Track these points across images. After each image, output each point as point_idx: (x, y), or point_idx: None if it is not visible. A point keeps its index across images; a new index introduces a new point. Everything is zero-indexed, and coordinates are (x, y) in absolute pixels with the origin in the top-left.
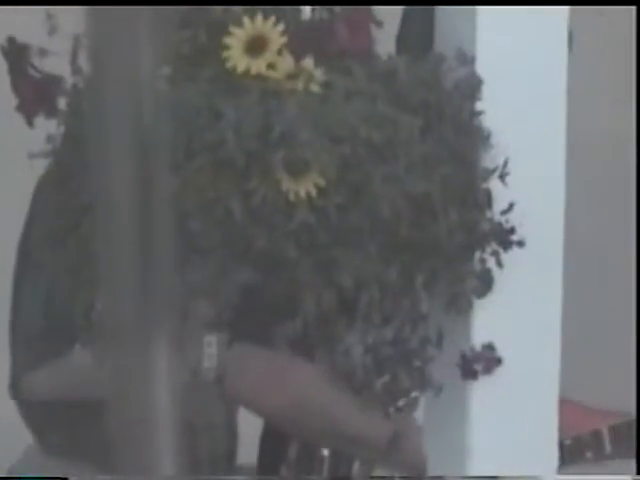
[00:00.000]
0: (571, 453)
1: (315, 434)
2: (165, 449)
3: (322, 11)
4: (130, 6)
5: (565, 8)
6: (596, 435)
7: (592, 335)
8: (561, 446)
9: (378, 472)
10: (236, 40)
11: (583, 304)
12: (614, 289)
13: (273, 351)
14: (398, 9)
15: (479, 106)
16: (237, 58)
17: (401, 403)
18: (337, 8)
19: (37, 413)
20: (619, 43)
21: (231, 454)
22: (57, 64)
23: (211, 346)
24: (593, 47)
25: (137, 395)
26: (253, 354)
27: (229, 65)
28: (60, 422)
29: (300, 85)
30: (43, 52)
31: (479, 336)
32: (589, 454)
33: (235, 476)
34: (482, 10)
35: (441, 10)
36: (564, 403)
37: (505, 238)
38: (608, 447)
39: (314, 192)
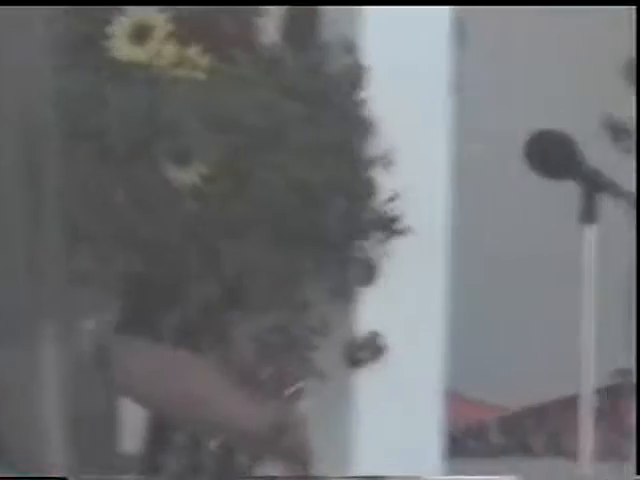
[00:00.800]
0: (456, 442)
1: (201, 425)
2: (51, 438)
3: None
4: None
5: None
6: (481, 425)
7: (478, 325)
8: (448, 436)
9: (265, 461)
10: (121, 29)
11: (470, 291)
12: (502, 280)
13: (159, 341)
14: None
15: (363, 95)
16: (122, 46)
17: (286, 393)
18: None
19: None
20: (512, 41)
21: (114, 443)
22: None
23: (95, 333)
24: (488, 44)
25: (24, 385)
26: (138, 344)
27: (114, 53)
28: None
29: (185, 73)
30: None
31: (364, 324)
32: (476, 445)
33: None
34: None
35: None
36: (449, 394)
37: (389, 227)
38: (495, 439)
39: (199, 181)
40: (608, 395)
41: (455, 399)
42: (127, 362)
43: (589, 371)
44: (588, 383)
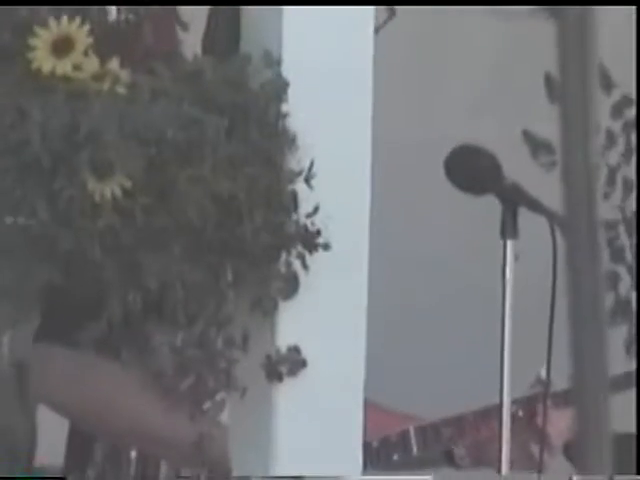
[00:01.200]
0: (378, 455)
1: (120, 435)
2: None
3: (128, 12)
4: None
5: (370, 10)
6: (403, 436)
7: (398, 339)
8: (368, 448)
9: (185, 472)
10: (42, 41)
11: (389, 308)
12: (422, 293)
13: (79, 351)
14: (204, 10)
15: (285, 108)
16: (43, 59)
17: (207, 405)
18: (142, 9)
19: None
20: (436, 51)
21: (31, 453)
22: None
23: (12, 343)
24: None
25: None
26: (57, 353)
27: (35, 66)
28: None
29: (106, 86)
30: None
31: (284, 338)
32: (396, 456)
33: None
34: (288, 11)
35: (247, 10)
36: (369, 406)
37: (310, 241)
38: (414, 449)
39: (119, 193)
40: (528, 404)
41: (375, 410)
42: (45, 368)
43: (508, 381)
44: (507, 393)
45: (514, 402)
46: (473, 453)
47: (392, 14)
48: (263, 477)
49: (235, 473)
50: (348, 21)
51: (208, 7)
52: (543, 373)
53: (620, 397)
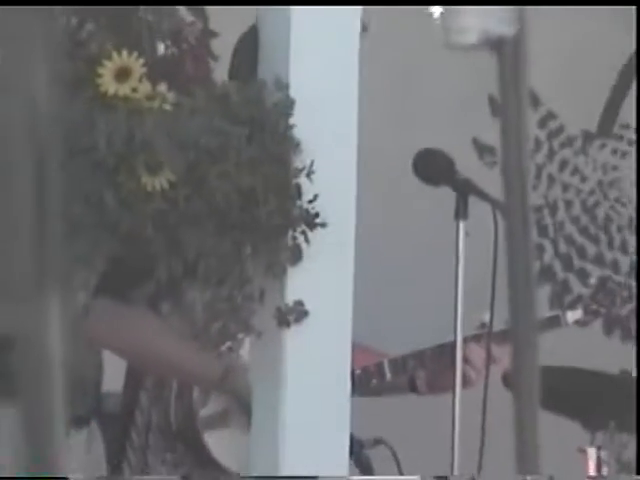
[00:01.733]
0: (360, 381)
1: (162, 371)
2: (57, 379)
3: (173, 48)
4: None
5: (356, 45)
6: (379, 366)
7: (378, 294)
8: (353, 375)
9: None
10: (107, 70)
11: (372, 270)
12: (396, 262)
13: (130, 306)
14: (230, 45)
15: (291, 121)
16: (108, 83)
17: (230, 345)
18: (185, 45)
19: None
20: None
21: (98, 381)
22: None
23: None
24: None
25: (35, 342)
26: (114, 306)
27: (102, 89)
28: None
29: (156, 105)
30: None
31: (291, 295)
32: (374, 381)
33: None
34: (294, 48)
35: (263, 45)
36: (356, 347)
37: (311, 221)
38: (388, 376)
39: (166, 185)
40: (474, 342)
41: (360, 350)
42: (103, 318)
43: (460, 324)
44: (459, 333)
45: (464, 339)
46: (431, 381)
47: (364, 28)
48: (274, 477)
49: (253, 390)
50: (338, 55)
51: (234, 43)
52: (486, 318)
53: (546, 336)
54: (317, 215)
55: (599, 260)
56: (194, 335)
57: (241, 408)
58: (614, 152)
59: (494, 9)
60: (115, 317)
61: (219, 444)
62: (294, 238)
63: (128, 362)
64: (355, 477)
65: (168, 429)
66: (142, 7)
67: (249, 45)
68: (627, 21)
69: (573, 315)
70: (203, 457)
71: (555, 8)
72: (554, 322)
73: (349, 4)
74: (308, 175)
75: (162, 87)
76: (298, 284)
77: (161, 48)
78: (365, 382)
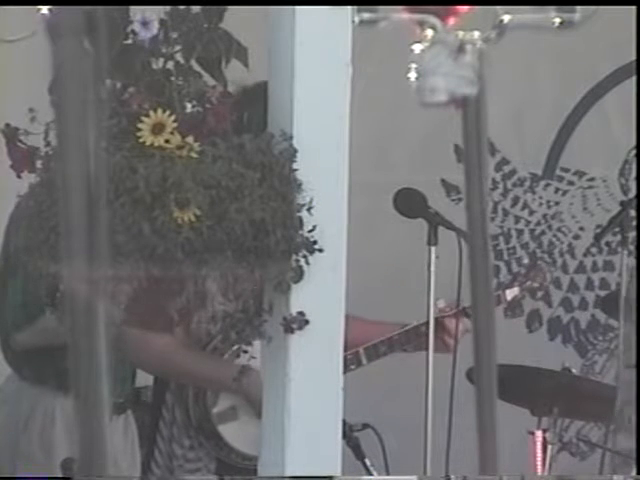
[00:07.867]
0: (347, 364)
1: (181, 379)
2: (102, 375)
3: (198, 106)
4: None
5: (347, 97)
6: (356, 354)
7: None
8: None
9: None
10: (145, 125)
11: (357, 286)
12: (377, 280)
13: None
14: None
15: (295, 166)
16: (146, 136)
17: (243, 351)
18: (208, 104)
19: (18, 356)
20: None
21: (133, 378)
22: (35, 140)
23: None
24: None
25: (83, 345)
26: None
27: (141, 140)
28: (32, 361)
29: (185, 153)
30: (27, 132)
31: (295, 307)
32: (352, 367)
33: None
34: (297, 108)
35: (271, 104)
36: (350, 318)
37: (311, 247)
38: (364, 361)
39: (193, 218)
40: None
41: (355, 321)
42: (136, 341)
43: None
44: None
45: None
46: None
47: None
48: (284, 477)
49: (264, 387)
50: (333, 112)
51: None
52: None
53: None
54: (315, 242)
55: None
56: (209, 344)
57: (250, 402)
58: (556, 191)
59: (460, 72)
60: (140, 341)
61: (232, 433)
62: (297, 261)
63: (153, 376)
64: (365, 477)
65: (190, 424)
66: (173, 73)
67: (260, 106)
68: (566, 78)
69: (511, 292)
70: (220, 444)
71: (505, 70)
72: (496, 300)
73: (348, 4)
74: (308, 210)
75: (190, 139)
76: (300, 298)
77: (189, 107)
78: (352, 364)
